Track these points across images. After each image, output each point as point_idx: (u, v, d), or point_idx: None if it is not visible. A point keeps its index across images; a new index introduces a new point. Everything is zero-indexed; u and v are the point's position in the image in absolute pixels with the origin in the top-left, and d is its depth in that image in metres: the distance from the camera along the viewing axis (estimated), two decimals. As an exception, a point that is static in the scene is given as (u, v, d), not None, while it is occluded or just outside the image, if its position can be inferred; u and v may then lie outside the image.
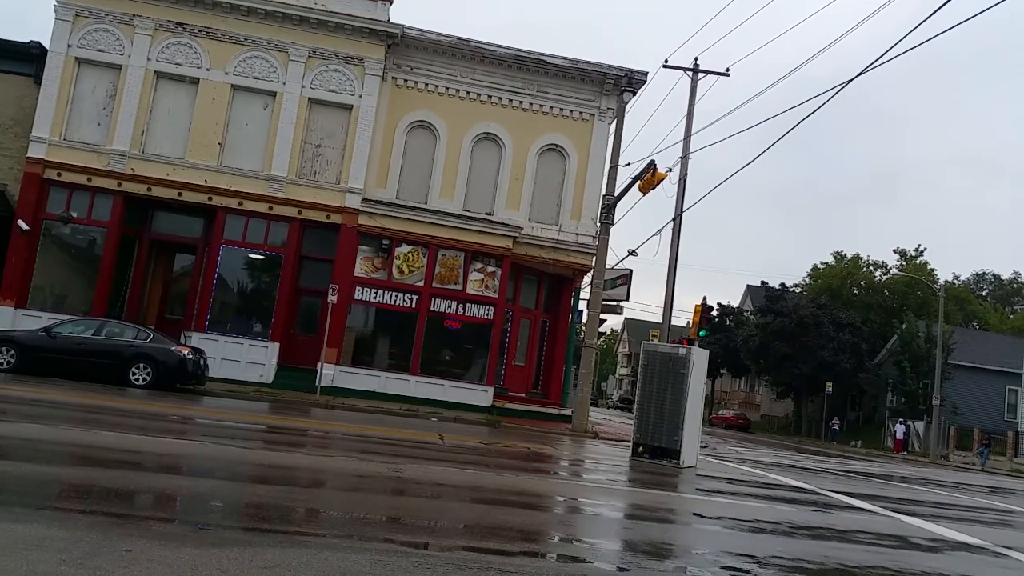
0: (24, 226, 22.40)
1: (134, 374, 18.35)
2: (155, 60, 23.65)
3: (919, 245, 67.24)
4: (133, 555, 4.48)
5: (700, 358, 14.63)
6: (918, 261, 65.27)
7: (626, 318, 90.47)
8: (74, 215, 22.98)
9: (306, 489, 8.02)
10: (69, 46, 23.31)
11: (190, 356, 19.05)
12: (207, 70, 23.79)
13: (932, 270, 64.71)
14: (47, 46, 23.53)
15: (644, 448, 14.60)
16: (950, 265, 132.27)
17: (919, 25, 13.08)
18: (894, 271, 64.31)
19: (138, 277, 24.48)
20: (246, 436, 12.50)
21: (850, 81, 15.74)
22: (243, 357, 23.13)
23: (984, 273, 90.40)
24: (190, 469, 8.48)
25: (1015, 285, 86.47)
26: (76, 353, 18.35)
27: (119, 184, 23.16)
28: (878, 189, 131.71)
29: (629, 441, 21.45)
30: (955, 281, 77.04)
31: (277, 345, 23.36)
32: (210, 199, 23.47)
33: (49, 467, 7.45)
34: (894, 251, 67.69)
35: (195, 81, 23.81)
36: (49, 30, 23.49)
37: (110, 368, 18.33)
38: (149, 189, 23.30)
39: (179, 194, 23.39)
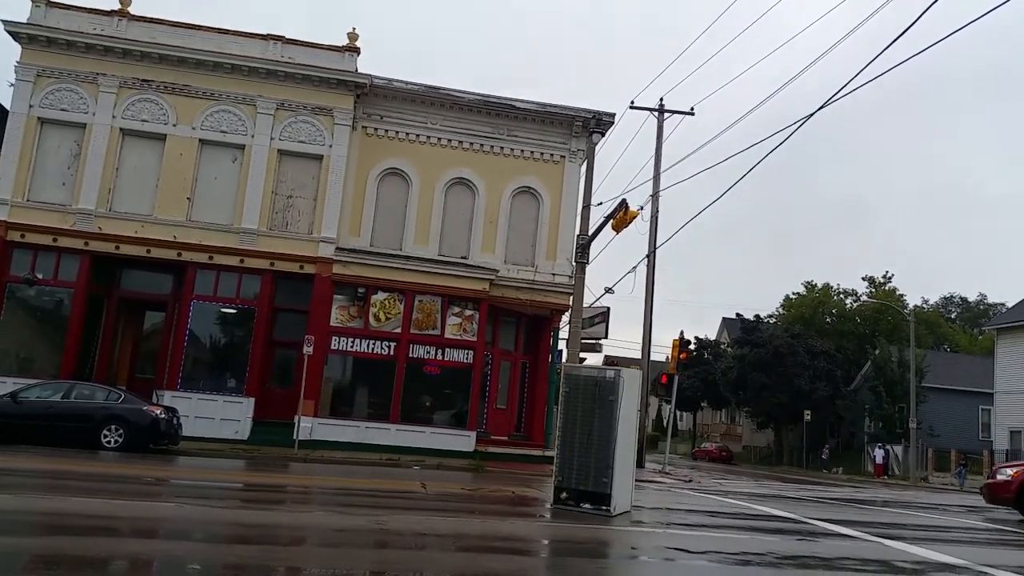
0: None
1: (105, 436, 17.94)
2: (120, 117, 23.52)
3: (887, 272, 68.02)
4: (107, 628, 4.27)
5: (631, 382, 12.24)
6: (887, 287, 66.00)
7: (606, 356, 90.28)
8: (39, 276, 22.60)
9: (286, 547, 7.79)
10: (31, 106, 23.14)
11: (163, 416, 18.68)
12: (174, 126, 23.70)
13: (901, 296, 65.45)
14: (8, 107, 23.36)
15: (568, 493, 11.81)
16: (918, 290, 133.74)
17: (875, 58, 13.32)
18: (864, 298, 64.97)
19: (107, 337, 24.08)
20: (223, 495, 12.20)
21: (812, 115, 15.95)
22: (217, 414, 22.75)
23: (952, 296, 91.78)
24: (166, 532, 8.23)
25: (982, 307, 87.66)
26: (44, 418, 17.91)
27: (86, 243, 22.87)
28: (846, 218, 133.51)
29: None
30: (924, 305, 78.02)
31: (252, 400, 23.01)
32: (179, 255, 23.22)
33: (15, 538, 7.18)
34: (863, 279, 68.47)
35: (162, 137, 23.69)
36: (9, 90, 23.37)
37: (81, 432, 17.90)
38: (117, 247, 23.02)
39: (148, 251, 23.13)
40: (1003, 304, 73.19)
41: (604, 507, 11.43)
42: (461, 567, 7.31)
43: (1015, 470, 17.13)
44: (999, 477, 17.26)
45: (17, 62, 23.20)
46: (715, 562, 8.25)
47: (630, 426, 12.09)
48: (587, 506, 11.56)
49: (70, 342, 22.62)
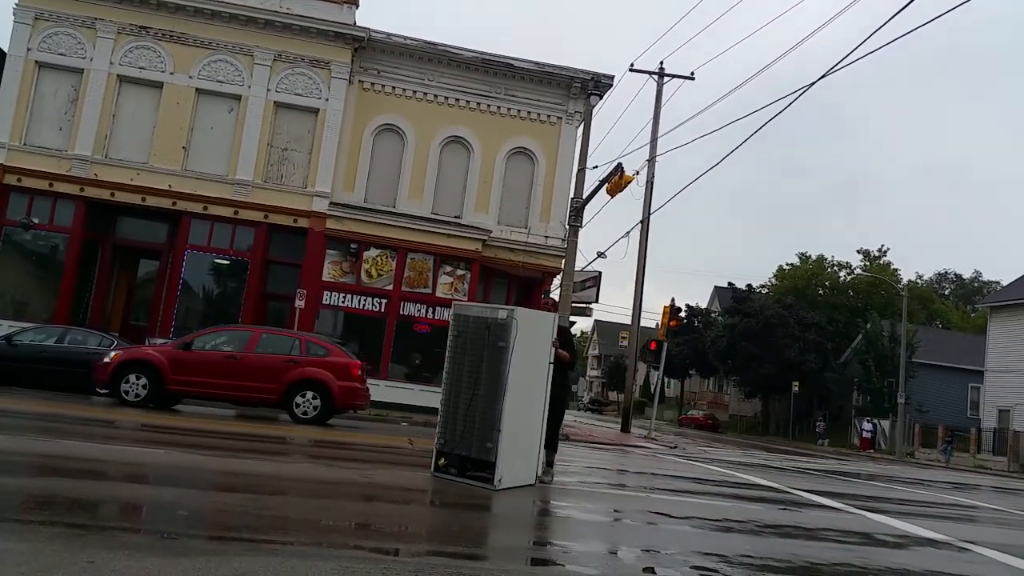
0: (-17, 232, 22.02)
1: (98, 382, 18.06)
2: (118, 64, 23.37)
3: (882, 245, 68.31)
4: (96, 566, 4.40)
5: (533, 325, 9.54)
6: (881, 261, 66.14)
7: (596, 320, 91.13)
8: (35, 221, 22.61)
9: (273, 496, 7.93)
10: (29, 49, 22.97)
11: (155, 363, 18.76)
12: (171, 74, 23.56)
13: (895, 270, 65.63)
14: (6, 49, 23.18)
15: (448, 459, 9.52)
16: (913, 265, 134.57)
17: (879, 29, 13.27)
18: (858, 271, 65.09)
19: (101, 283, 24.15)
20: (212, 444, 12.34)
21: (814, 83, 15.91)
22: (209, 363, 22.85)
23: (946, 272, 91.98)
24: (155, 478, 8.35)
25: (976, 284, 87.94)
26: (38, 361, 18.03)
27: (81, 189, 22.85)
28: (842, 191, 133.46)
29: (599, 443, 21.42)
30: (918, 280, 78.31)
31: (244, 351, 23.12)
32: (174, 204, 23.22)
33: (9, 478, 7.30)
34: (858, 251, 68.68)
35: (159, 85, 23.56)
36: (8, 33, 23.18)
37: (73, 376, 17.99)
38: (112, 194, 23.01)
39: (143, 199, 23.12)
40: (998, 282, 73.56)
41: (486, 479, 9.08)
42: (455, 523, 7.47)
43: (117, 353, 16.15)
44: (106, 360, 15.96)
45: (16, 4, 22.99)
46: (697, 528, 8.39)
47: (533, 381, 9.57)
48: (472, 478, 9.29)
49: (64, 287, 22.69)
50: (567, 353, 10.42)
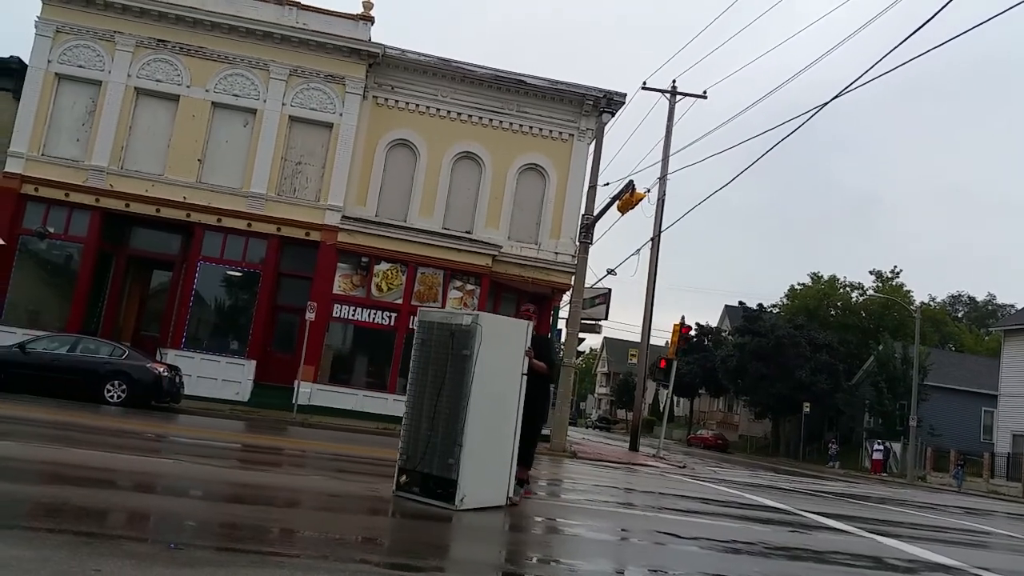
0: (-1, 241, 22.19)
1: (109, 391, 18.15)
2: (135, 76, 23.60)
3: (895, 267, 68.12)
4: (102, 575, 4.41)
5: (502, 332, 8.71)
6: (894, 283, 65.82)
7: (605, 337, 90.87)
8: (51, 230, 22.78)
9: (281, 509, 7.94)
10: (49, 61, 23.23)
11: (166, 373, 18.88)
12: (187, 87, 23.76)
13: (908, 292, 65.26)
14: (27, 61, 23.43)
15: (410, 477, 8.58)
16: (926, 287, 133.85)
17: (893, 50, 13.30)
18: (870, 292, 64.78)
19: (115, 293, 24.30)
20: (221, 455, 12.37)
21: (826, 104, 15.94)
22: (219, 375, 22.97)
23: (960, 295, 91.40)
24: (164, 488, 8.37)
25: (990, 307, 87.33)
26: (50, 369, 18.12)
27: (97, 200, 23.03)
28: (856, 211, 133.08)
29: (607, 462, 21.37)
30: (931, 303, 77.79)
31: (254, 363, 23.22)
32: (188, 216, 23.37)
33: (18, 485, 7.34)
34: (870, 272, 68.38)
35: (175, 98, 23.77)
36: (30, 45, 23.42)
37: (85, 385, 18.12)
38: (127, 205, 23.18)
39: (157, 210, 23.29)
40: (1012, 305, 72.99)
41: (446, 498, 8.19)
42: (441, 536, 7.46)
43: None
44: None
45: (38, 17, 23.27)
46: (705, 549, 8.34)
47: (503, 393, 8.66)
48: (437, 495, 8.32)
49: (78, 296, 22.84)
50: (543, 364, 9.51)
